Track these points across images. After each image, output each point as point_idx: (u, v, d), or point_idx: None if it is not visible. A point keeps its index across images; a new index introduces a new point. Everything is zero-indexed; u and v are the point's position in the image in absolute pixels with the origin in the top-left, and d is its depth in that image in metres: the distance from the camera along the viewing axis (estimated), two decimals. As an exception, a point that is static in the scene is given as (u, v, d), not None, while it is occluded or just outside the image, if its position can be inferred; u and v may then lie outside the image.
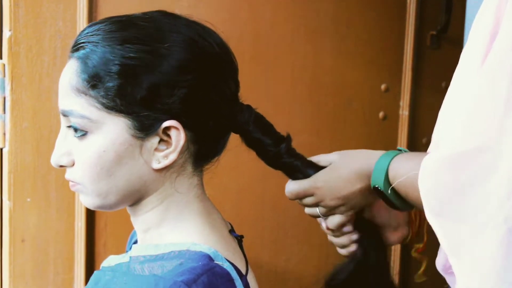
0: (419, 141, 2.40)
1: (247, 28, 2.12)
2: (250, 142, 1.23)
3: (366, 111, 2.30)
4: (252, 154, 1.25)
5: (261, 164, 1.27)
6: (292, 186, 1.34)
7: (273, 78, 2.16)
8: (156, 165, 1.06)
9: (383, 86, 2.31)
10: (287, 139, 1.27)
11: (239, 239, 1.22)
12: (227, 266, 1.05)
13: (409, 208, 1.28)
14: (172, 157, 1.06)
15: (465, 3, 2.43)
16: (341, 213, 1.35)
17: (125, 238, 1.62)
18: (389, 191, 1.24)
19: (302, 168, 1.30)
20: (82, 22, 1.91)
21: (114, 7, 1.96)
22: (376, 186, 1.26)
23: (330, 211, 1.35)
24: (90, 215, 1.99)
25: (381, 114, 2.32)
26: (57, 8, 1.91)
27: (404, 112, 2.34)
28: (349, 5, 2.23)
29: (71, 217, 1.98)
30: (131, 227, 1.21)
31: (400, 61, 2.32)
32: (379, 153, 1.29)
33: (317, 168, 1.32)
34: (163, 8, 1.14)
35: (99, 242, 2.03)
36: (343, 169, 1.32)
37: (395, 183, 1.21)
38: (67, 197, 1.97)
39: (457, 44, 2.42)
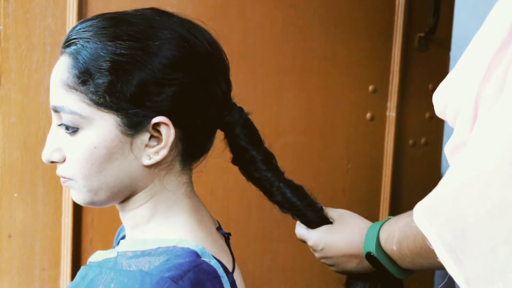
0: (406, 142, 2.41)
1: (236, 27, 2.12)
2: (231, 144, 1.23)
3: (354, 111, 2.31)
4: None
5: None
6: (297, 230, 1.41)
7: (261, 77, 2.17)
8: (147, 161, 1.07)
9: (370, 87, 2.32)
10: (269, 153, 1.27)
11: (227, 237, 1.22)
12: (214, 263, 1.06)
13: (403, 274, 1.29)
14: (163, 152, 1.06)
15: (453, 5, 2.44)
16: (334, 270, 1.40)
17: (112, 234, 1.62)
18: (375, 252, 1.26)
19: (277, 183, 1.28)
20: (71, 18, 1.91)
21: (104, 3, 1.96)
22: (369, 252, 1.27)
23: (324, 262, 1.40)
24: (77, 211, 1.99)
25: (368, 115, 2.33)
26: (46, 4, 1.91)
27: (391, 113, 2.35)
28: (338, 7, 2.23)
29: (58, 213, 1.98)
30: (118, 223, 1.21)
31: (388, 62, 2.33)
32: (371, 223, 1.34)
33: (296, 191, 1.32)
34: (153, 5, 1.14)
35: (85, 238, 2.03)
36: (338, 234, 1.35)
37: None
38: (54, 192, 1.97)
39: (445, 46, 2.43)
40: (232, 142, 1.23)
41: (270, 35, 2.17)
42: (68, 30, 1.90)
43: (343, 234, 1.35)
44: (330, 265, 1.39)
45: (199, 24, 1.14)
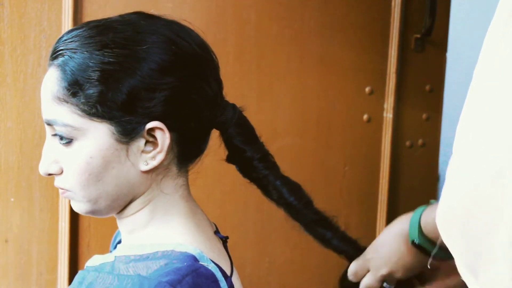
0: (403, 143, 2.41)
1: (232, 30, 2.12)
2: (226, 143, 1.23)
3: (350, 113, 2.31)
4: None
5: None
6: (351, 267, 1.39)
7: (257, 80, 2.16)
8: (144, 167, 1.06)
9: (367, 89, 2.32)
10: (265, 150, 1.26)
11: (224, 240, 1.22)
12: (212, 267, 1.05)
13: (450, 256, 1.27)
14: (160, 157, 1.06)
15: (449, 6, 2.44)
16: (399, 277, 1.37)
17: (109, 238, 1.61)
18: (418, 240, 1.25)
19: (274, 181, 1.27)
20: (67, 22, 1.91)
21: (99, 7, 1.96)
22: (413, 240, 1.27)
23: (390, 279, 1.38)
24: (74, 215, 1.99)
25: (365, 117, 2.33)
26: (42, 8, 1.90)
27: (388, 114, 2.34)
28: (333, 8, 2.23)
29: (54, 217, 1.98)
30: (115, 227, 1.21)
31: (384, 64, 2.33)
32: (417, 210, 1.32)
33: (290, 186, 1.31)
34: (148, 8, 1.14)
35: (82, 242, 2.03)
36: (386, 234, 1.34)
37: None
38: (50, 197, 1.96)
39: (441, 47, 2.43)
40: (227, 141, 1.22)
41: (266, 38, 2.17)
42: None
43: (386, 233, 1.35)
44: (392, 273, 1.37)
45: (187, 25, 1.13)
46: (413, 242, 1.29)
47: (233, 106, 1.20)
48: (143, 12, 1.11)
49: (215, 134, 1.21)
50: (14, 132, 1.92)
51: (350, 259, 1.41)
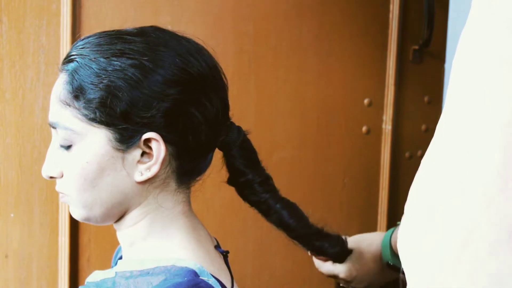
0: (402, 155, 2.41)
1: (230, 43, 2.12)
2: (228, 165, 1.24)
3: (349, 125, 2.31)
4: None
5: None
6: (323, 268, 1.42)
7: (256, 92, 2.17)
8: (139, 178, 1.07)
9: (366, 101, 2.32)
10: (266, 175, 1.28)
11: (225, 255, 1.22)
12: (212, 281, 1.05)
13: None
14: (154, 169, 1.06)
15: (447, 17, 2.44)
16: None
17: (109, 253, 1.62)
18: (392, 260, 1.26)
19: (274, 204, 1.29)
20: (65, 37, 1.91)
21: (97, 22, 1.96)
22: (387, 261, 1.28)
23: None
24: (74, 230, 1.99)
25: (364, 128, 2.33)
26: (40, 24, 1.91)
27: (387, 126, 2.35)
28: (331, 21, 2.24)
29: (54, 232, 1.97)
30: (115, 242, 1.21)
31: (383, 75, 2.33)
32: (388, 232, 1.34)
33: (295, 214, 1.33)
34: (146, 23, 1.14)
35: (82, 257, 2.03)
36: (366, 255, 1.36)
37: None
38: (50, 212, 1.96)
39: (439, 58, 2.44)
40: (229, 163, 1.24)
41: (265, 51, 2.17)
42: (61, 49, 1.91)
43: (368, 255, 1.36)
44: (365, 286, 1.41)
45: (199, 43, 1.14)
46: (387, 264, 1.30)
47: (239, 128, 1.21)
48: (157, 26, 1.13)
49: (218, 155, 1.22)
50: (13, 147, 1.92)
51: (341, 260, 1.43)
